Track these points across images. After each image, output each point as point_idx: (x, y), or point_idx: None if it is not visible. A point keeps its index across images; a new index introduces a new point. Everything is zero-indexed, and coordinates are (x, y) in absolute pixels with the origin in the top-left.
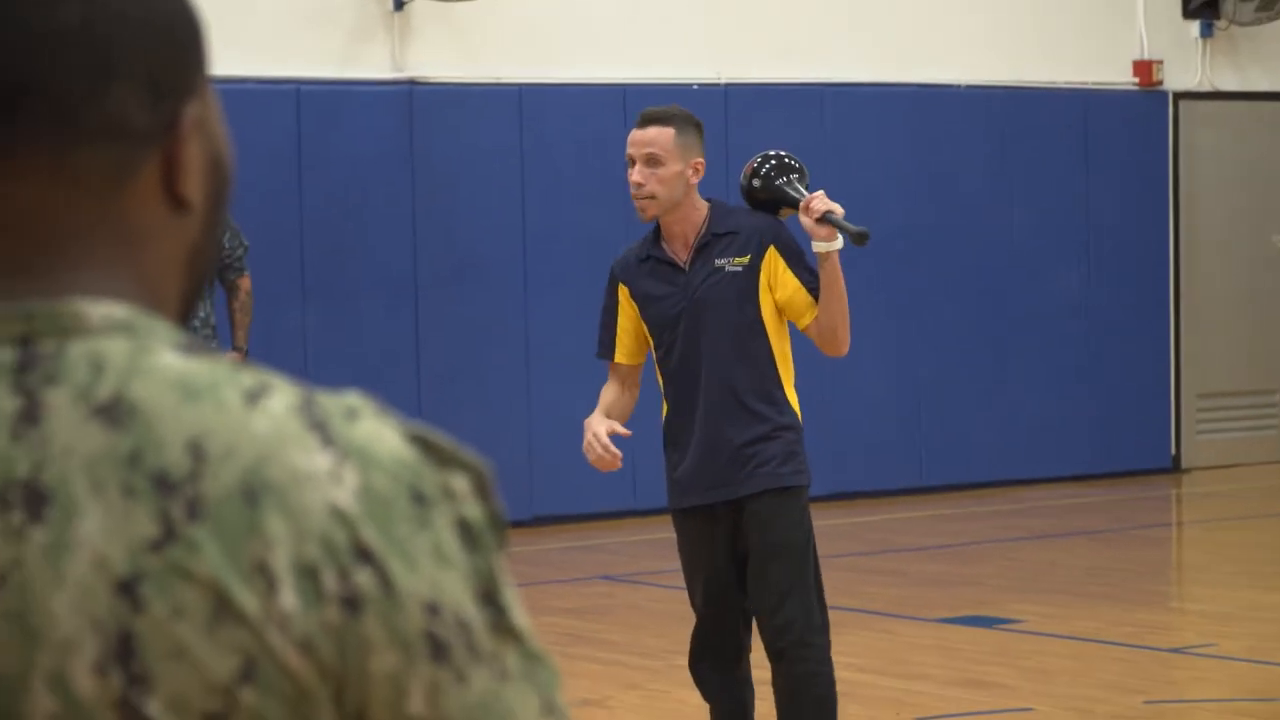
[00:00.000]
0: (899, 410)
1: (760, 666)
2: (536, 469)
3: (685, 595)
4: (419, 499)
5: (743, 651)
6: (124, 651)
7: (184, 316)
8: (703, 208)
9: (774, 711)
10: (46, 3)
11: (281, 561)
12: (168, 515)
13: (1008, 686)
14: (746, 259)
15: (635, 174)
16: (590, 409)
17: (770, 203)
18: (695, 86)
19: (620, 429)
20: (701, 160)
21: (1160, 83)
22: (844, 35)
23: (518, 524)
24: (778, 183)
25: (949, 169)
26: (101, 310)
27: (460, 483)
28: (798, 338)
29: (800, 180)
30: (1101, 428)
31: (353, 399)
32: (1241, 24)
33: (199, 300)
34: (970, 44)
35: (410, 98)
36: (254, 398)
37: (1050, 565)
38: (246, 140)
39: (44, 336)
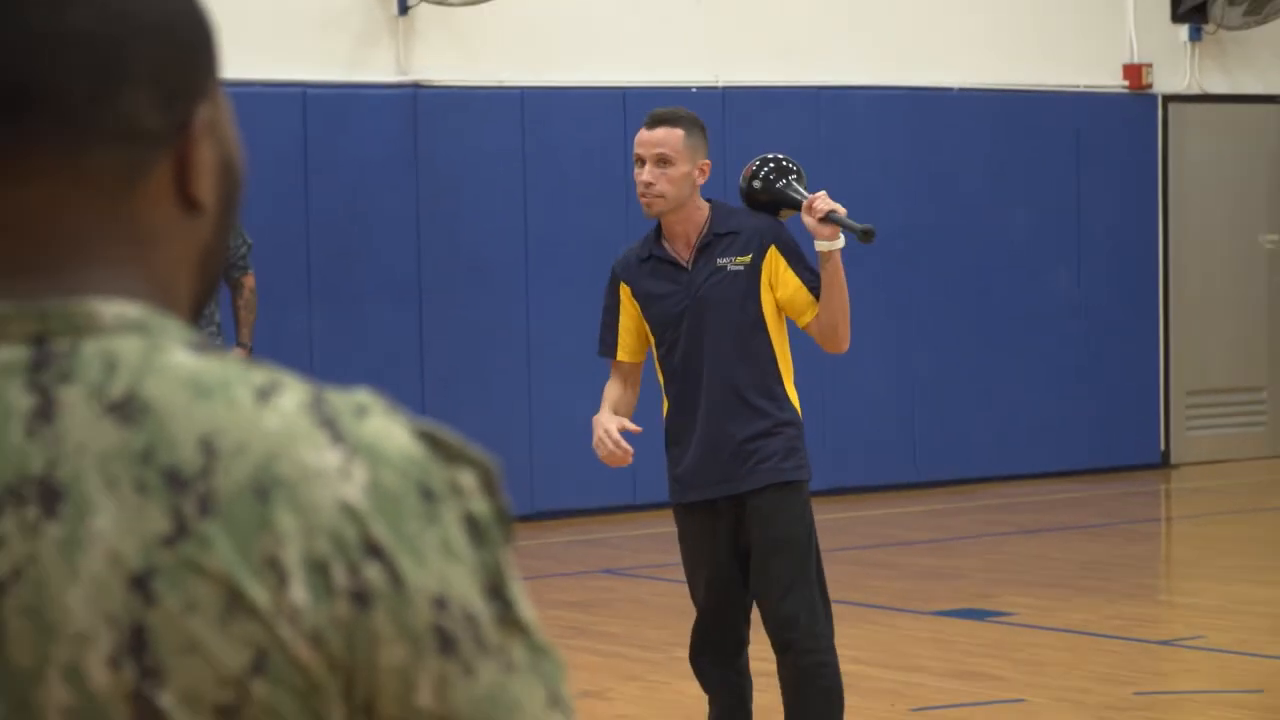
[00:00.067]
0: (895, 407)
1: (760, 659)
2: (538, 465)
3: (685, 589)
4: (427, 495)
5: (742, 645)
6: (137, 645)
7: (195, 316)
8: (705, 208)
9: (772, 703)
10: (55, 5)
11: (292, 556)
12: (180, 511)
13: (1001, 678)
14: (748, 258)
15: (646, 174)
16: (590, 407)
17: (770, 204)
18: (694, 89)
19: (630, 425)
20: (708, 162)
21: (1150, 86)
22: (841, 39)
23: (520, 519)
24: (778, 185)
25: (944, 170)
26: (114, 309)
27: (467, 479)
28: (797, 336)
29: (798, 182)
30: (1093, 424)
31: (362, 396)
32: (1229, 28)
33: (210, 300)
34: (965, 48)
35: (414, 101)
36: (265, 395)
37: (1043, 559)
38: (253, 143)
39: (58, 335)
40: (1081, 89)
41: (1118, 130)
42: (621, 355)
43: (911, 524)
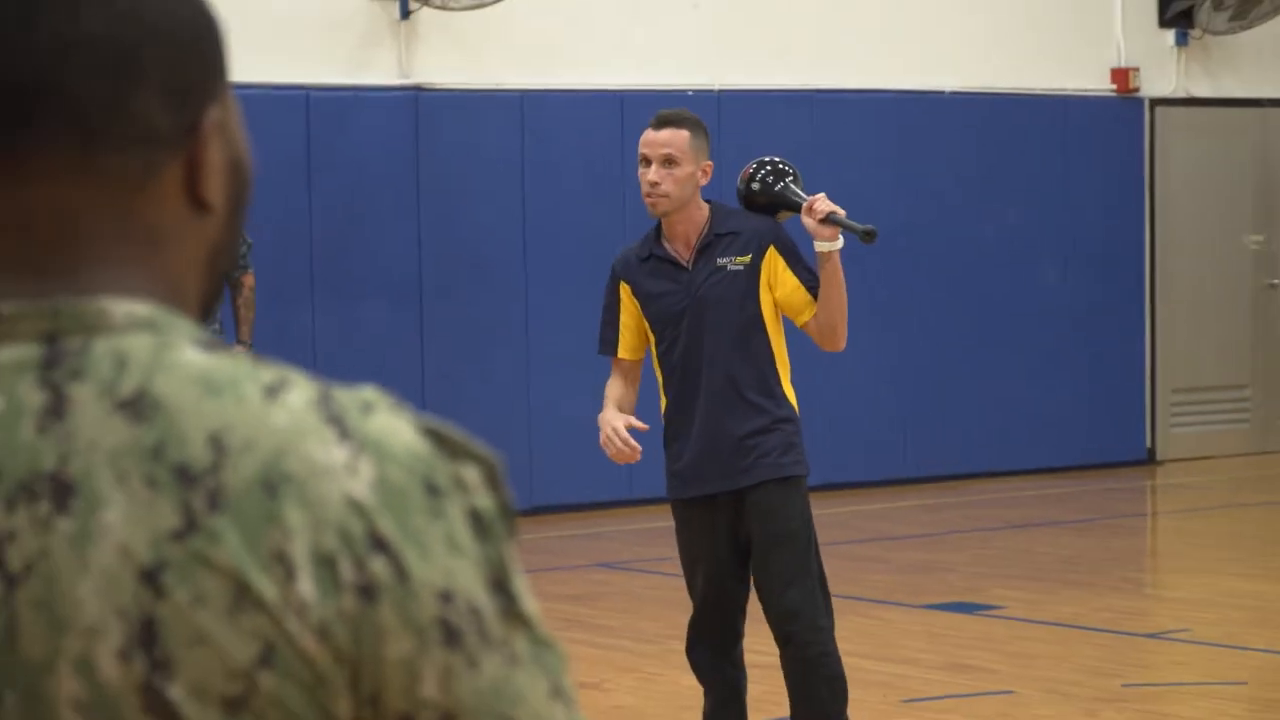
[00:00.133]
0: (887, 404)
1: (754, 651)
2: (536, 461)
3: (680, 582)
4: (432, 490)
5: (738, 637)
6: (147, 637)
7: (204, 315)
8: (705, 209)
9: (765, 694)
10: (68, 9)
11: (300, 551)
12: (189, 506)
13: (991, 670)
14: (748, 259)
15: (652, 173)
16: (587, 404)
17: (768, 206)
18: (690, 92)
19: (637, 423)
20: (710, 163)
21: (1137, 90)
22: (835, 44)
23: (519, 513)
24: (777, 188)
25: (935, 172)
26: (125, 308)
27: (471, 474)
28: (792, 335)
29: (795, 184)
30: (1081, 421)
31: (368, 393)
32: (1215, 33)
33: (219, 300)
34: (956, 52)
35: (416, 103)
36: (273, 392)
37: (1031, 554)
38: (258, 144)
39: (69, 333)
40: (1070, 92)
41: (1106, 133)
42: (622, 353)
43: (903, 519)
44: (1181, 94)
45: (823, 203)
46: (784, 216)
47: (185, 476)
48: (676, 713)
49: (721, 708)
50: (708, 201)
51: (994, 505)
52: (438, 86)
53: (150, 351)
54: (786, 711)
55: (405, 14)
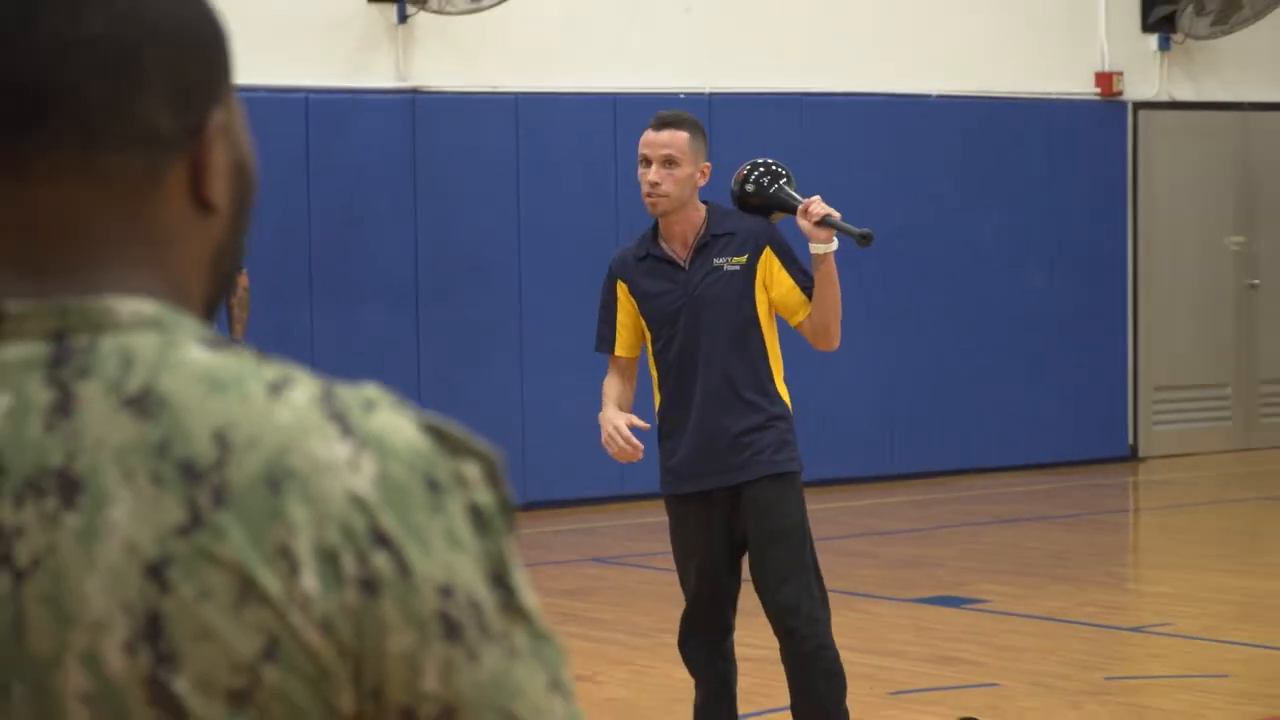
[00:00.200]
0: (875, 402)
1: (747, 644)
2: (530, 457)
3: (672, 576)
4: (433, 486)
5: (729, 630)
6: (152, 631)
7: (209, 314)
8: (702, 209)
9: (755, 686)
10: (70, 11)
11: (303, 546)
12: (194, 502)
13: (977, 663)
14: (744, 259)
15: (652, 174)
16: (580, 402)
17: (763, 207)
18: (682, 95)
19: (638, 421)
20: (708, 165)
21: (1120, 93)
22: (825, 48)
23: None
24: (771, 189)
25: (922, 175)
26: (131, 306)
27: (472, 470)
28: (785, 334)
29: (789, 185)
30: (1064, 419)
31: (370, 391)
32: (1197, 38)
33: (223, 299)
34: (943, 57)
35: (413, 106)
36: (277, 390)
37: (1017, 549)
38: (257, 146)
39: (76, 332)
40: (1055, 96)
41: (1090, 136)
42: (619, 351)
43: (892, 515)
44: (1164, 98)
45: (818, 205)
46: (778, 217)
47: (190, 473)
48: (668, 705)
49: (713, 700)
50: (704, 202)
51: (981, 501)
52: (435, 90)
53: (156, 349)
54: (776, 704)
55: (403, 18)
